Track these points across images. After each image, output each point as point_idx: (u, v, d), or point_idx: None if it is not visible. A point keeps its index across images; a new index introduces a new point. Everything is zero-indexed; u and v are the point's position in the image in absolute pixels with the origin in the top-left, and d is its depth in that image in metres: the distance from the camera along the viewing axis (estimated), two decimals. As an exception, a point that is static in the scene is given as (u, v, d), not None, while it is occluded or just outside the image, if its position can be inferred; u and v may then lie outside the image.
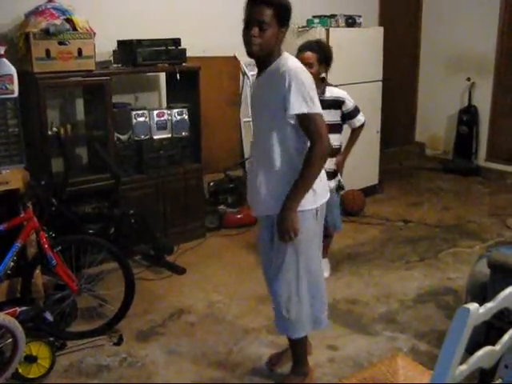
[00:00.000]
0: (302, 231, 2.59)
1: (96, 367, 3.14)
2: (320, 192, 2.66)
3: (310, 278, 2.75)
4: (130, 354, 3.27)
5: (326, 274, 4.13)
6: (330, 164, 3.75)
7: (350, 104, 3.87)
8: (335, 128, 3.80)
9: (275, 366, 3.11)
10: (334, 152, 3.80)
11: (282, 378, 3.03)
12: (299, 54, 3.65)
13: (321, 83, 3.76)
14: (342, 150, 4.03)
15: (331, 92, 3.85)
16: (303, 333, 2.84)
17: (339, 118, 3.88)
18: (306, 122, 2.48)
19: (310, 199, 2.59)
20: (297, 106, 2.44)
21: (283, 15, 2.48)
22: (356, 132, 4.01)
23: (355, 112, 3.91)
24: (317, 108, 2.48)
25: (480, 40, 6.80)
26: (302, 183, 2.51)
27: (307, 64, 3.52)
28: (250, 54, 2.53)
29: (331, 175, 3.76)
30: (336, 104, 3.83)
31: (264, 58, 2.54)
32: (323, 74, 3.87)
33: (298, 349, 2.92)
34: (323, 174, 2.70)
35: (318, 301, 2.83)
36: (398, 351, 3.14)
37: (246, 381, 3.02)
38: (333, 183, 3.85)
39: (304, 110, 2.44)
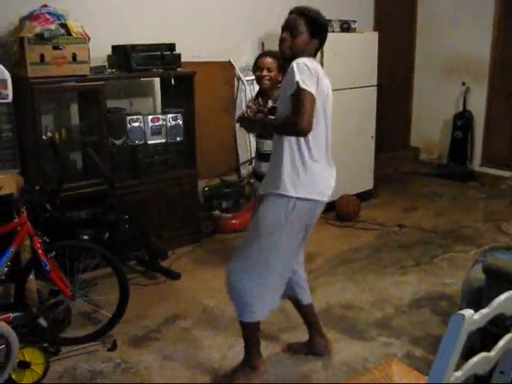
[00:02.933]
0: (267, 212, 2.76)
1: (90, 373, 3.13)
2: (305, 186, 2.71)
3: (265, 268, 2.79)
4: (124, 359, 3.26)
5: None
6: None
7: None
8: None
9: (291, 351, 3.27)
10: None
11: (231, 369, 3.09)
12: (259, 58, 3.91)
13: (278, 89, 3.80)
14: None
15: None
16: (249, 317, 2.87)
17: None
18: (296, 95, 2.60)
19: (288, 186, 2.71)
20: (294, 81, 2.59)
21: (315, 27, 2.78)
22: None
23: None
24: (309, 88, 2.58)
25: (475, 45, 6.82)
26: (269, 122, 3.01)
27: (267, 69, 3.82)
28: (281, 54, 2.90)
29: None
30: None
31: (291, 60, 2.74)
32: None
33: (247, 336, 2.98)
34: (324, 175, 2.78)
35: (269, 293, 2.85)
36: (393, 357, 3.14)
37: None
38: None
39: (298, 80, 2.58)
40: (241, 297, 2.84)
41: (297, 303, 3.20)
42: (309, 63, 2.62)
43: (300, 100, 2.57)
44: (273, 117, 3.09)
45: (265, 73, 3.85)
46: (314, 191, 2.74)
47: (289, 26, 2.79)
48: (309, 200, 2.73)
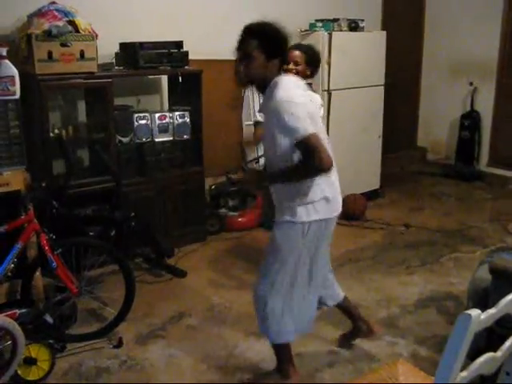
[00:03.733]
0: (283, 240, 2.72)
1: (95, 370, 3.14)
2: (317, 210, 2.68)
3: (286, 292, 2.79)
4: (129, 356, 3.27)
5: None
6: None
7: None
8: None
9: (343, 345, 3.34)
10: None
11: (263, 375, 3.08)
12: (288, 51, 3.78)
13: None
14: None
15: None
16: (278, 340, 2.88)
17: None
18: (301, 143, 2.49)
19: (301, 213, 2.67)
20: (294, 134, 2.48)
21: (270, 48, 2.53)
22: None
23: None
24: (309, 130, 2.46)
25: (483, 45, 6.79)
26: (282, 174, 2.63)
27: (294, 62, 3.72)
28: (239, 82, 2.77)
29: None
30: None
31: (257, 84, 2.68)
32: (309, 80, 3.88)
33: (279, 354, 2.97)
34: (332, 192, 2.74)
35: (289, 317, 2.84)
36: (399, 356, 3.13)
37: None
38: None
39: (298, 135, 2.47)
40: (271, 321, 2.81)
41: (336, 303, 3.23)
42: (289, 95, 2.51)
43: (309, 145, 2.46)
44: None
45: (291, 66, 3.81)
46: (327, 212, 2.73)
47: (240, 51, 2.59)
48: (322, 220, 2.72)
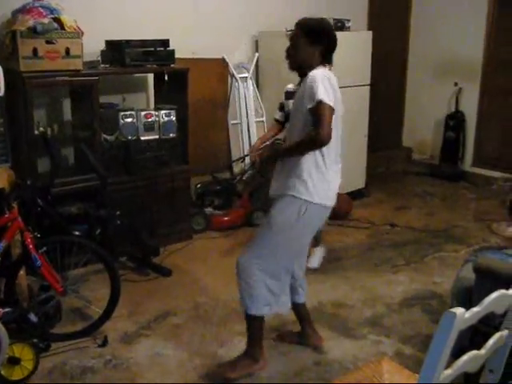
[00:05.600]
0: (280, 211, 2.87)
1: (80, 369, 3.12)
2: (318, 192, 2.83)
3: (274, 266, 2.92)
4: (114, 355, 3.25)
5: (315, 264, 4.31)
6: None
7: None
8: None
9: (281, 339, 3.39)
10: None
11: (230, 360, 3.14)
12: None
13: None
14: None
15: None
16: (257, 310, 2.95)
17: None
18: (316, 109, 2.67)
19: (303, 190, 2.82)
20: (316, 95, 2.67)
21: (311, 36, 2.88)
22: None
23: None
24: (329, 101, 2.67)
25: (468, 45, 6.84)
26: (289, 147, 2.89)
27: None
28: (289, 67, 2.99)
29: None
30: None
31: (300, 70, 2.94)
32: None
33: (251, 329, 3.05)
34: (334, 181, 2.91)
35: (279, 290, 2.99)
36: (383, 355, 3.15)
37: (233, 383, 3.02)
38: None
39: (318, 94, 2.67)
40: (252, 288, 2.91)
41: (293, 302, 3.24)
42: (326, 75, 2.76)
43: (320, 113, 2.65)
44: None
45: None
46: (325, 197, 2.88)
47: (291, 41, 2.95)
48: (320, 205, 2.86)
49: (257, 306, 2.94)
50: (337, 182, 2.96)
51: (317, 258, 4.42)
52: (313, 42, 2.88)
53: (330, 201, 2.92)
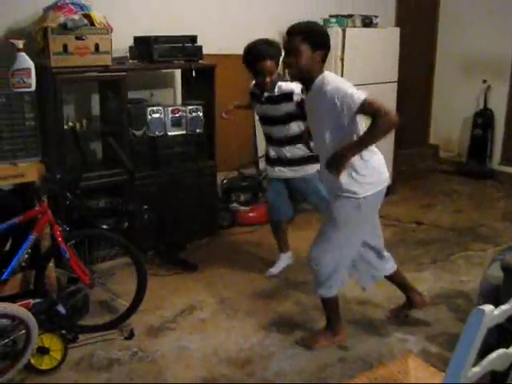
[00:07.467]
0: (340, 212, 3.02)
1: (107, 361, 3.17)
2: (370, 183, 2.98)
3: (343, 251, 3.12)
4: (140, 348, 3.29)
5: (275, 271, 4.27)
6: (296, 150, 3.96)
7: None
8: (292, 117, 3.86)
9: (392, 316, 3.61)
10: (297, 138, 3.92)
11: (312, 333, 3.40)
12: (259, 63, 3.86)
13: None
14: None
15: (279, 88, 3.87)
16: (329, 293, 3.19)
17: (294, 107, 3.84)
18: (364, 108, 2.79)
19: (356, 189, 2.95)
20: (356, 100, 2.79)
21: (313, 40, 2.86)
22: None
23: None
24: (363, 94, 2.80)
25: (497, 42, 6.73)
26: (360, 142, 2.87)
27: (269, 72, 3.82)
28: (291, 78, 3.10)
29: (303, 160, 3.94)
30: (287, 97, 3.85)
31: (304, 80, 2.99)
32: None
33: (327, 308, 3.28)
34: (381, 166, 3.06)
35: (336, 275, 3.16)
36: (409, 353, 3.13)
37: (257, 378, 3.03)
38: (311, 168, 3.95)
39: (361, 98, 2.78)
40: (325, 276, 3.12)
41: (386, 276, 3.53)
42: (337, 77, 2.92)
43: (373, 108, 2.76)
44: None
45: (268, 79, 3.83)
46: (377, 183, 3.01)
47: (289, 49, 2.91)
48: (375, 193, 3.00)
49: (329, 291, 3.17)
50: (381, 161, 3.07)
51: (280, 265, 4.29)
52: (315, 47, 2.87)
53: (383, 183, 3.06)
